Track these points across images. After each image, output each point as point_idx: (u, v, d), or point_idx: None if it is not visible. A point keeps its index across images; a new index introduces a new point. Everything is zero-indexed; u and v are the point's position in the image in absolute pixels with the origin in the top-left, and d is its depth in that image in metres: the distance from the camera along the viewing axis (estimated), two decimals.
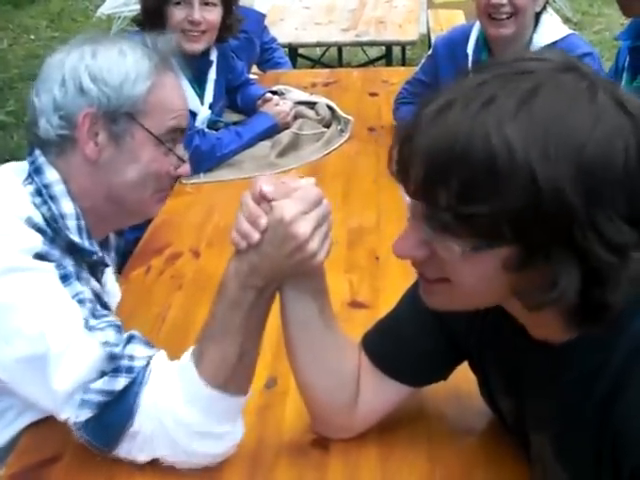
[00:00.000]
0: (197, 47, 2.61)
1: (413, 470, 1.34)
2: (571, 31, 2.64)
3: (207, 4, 2.58)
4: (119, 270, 1.84)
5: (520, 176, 0.87)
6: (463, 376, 1.34)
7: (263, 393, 1.51)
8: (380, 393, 1.35)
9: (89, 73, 1.37)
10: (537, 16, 2.53)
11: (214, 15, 2.60)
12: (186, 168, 1.50)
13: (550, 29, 2.54)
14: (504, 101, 0.90)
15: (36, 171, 1.39)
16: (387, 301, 1.36)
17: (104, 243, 1.59)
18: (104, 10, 7.76)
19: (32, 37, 7.58)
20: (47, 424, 1.33)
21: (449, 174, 0.90)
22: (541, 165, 0.87)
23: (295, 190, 1.19)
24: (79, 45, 1.41)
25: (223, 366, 1.24)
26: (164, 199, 1.54)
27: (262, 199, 1.18)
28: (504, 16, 2.45)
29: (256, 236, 1.17)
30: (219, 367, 1.24)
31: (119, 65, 1.38)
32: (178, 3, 2.55)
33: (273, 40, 3.81)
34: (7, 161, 1.48)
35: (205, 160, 2.56)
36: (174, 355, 1.30)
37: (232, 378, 1.25)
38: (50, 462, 1.35)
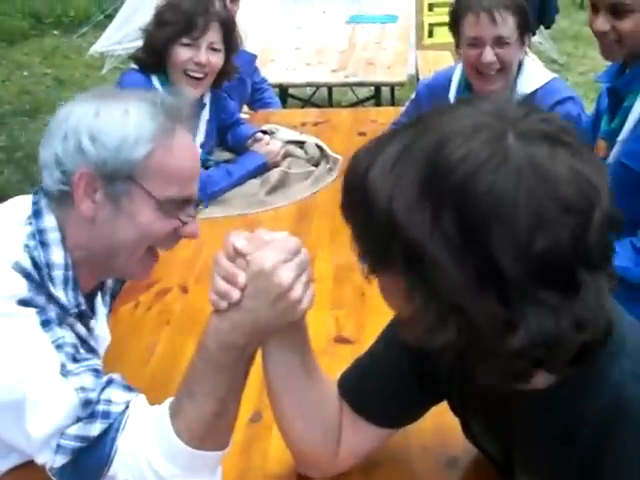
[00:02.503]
0: (196, 93, 2.65)
1: None
2: (553, 75, 2.68)
3: (213, 49, 2.63)
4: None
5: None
6: (446, 408, 1.34)
7: (248, 427, 1.52)
8: (360, 436, 1.35)
9: (89, 133, 1.34)
10: (520, 63, 2.57)
11: (218, 59, 2.65)
12: (193, 229, 1.44)
13: (533, 75, 2.58)
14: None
15: (35, 214, 1.38)
16: (372, 337, 1.37)
17: (98, 288, 1.58)
18: (97, 48, 7.82)
19: (25, 73, 7.63)
20: (31, 464, 1.31)
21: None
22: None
23: (269, 242, 1.17)
24: (86, 100, 1.39)
25: (200, 423, 1.22)
26: (155, 261, 1.48)
27: (237, 256, 1.17)
28: (492, 72, 2.49)
29: (236, 294, 1.15)
30: (196, 424, 1.22)
31: (119, 127, 1.34)
32: (186, 44, 2.58)
33: (264, 80, 3.86)
34: None
35: None
36: (161, 390, 1.31)
37: (209, 435, 1.23)
38: None
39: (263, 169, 2.81)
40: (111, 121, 1.35)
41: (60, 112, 1.38)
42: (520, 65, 2.57)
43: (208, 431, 1.22)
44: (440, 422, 1.42)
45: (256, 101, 3.76)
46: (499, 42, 2.45)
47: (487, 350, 0.92)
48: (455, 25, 2.54)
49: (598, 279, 0.91)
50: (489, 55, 2.46)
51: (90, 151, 1.33)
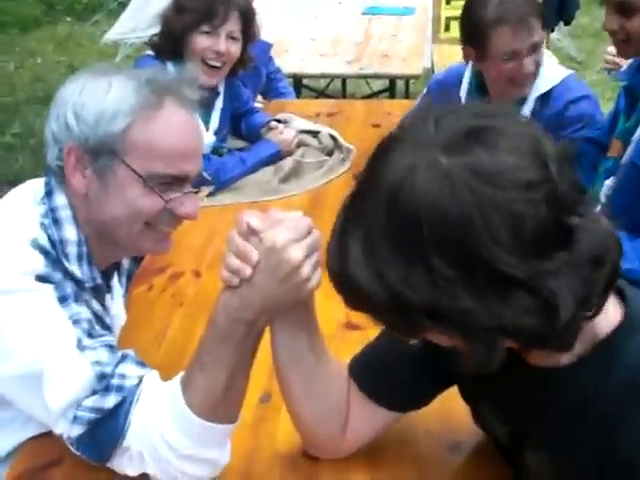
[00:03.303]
0: (212, 82, 2.68)
1: None
2: (569, 71, 2.65)
3: (232, 38, 2.64)
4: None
5: None
6: (451, 392, 1.36)
7: (257, 408, 1.55)
8: (368, 418, 1.37)
9: (73, 109, 1.38)
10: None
11: (236, 49, 2.66)
12: (189, 209, 1.44)
13: (549, 72, 2.55)
14: None
15: (48, 193, 1.43)
16: None
17: (114, 268, 1.63)
18: (110, 36, 7.81)
19: (38, 61, 7.64)
20: (50, 434, 1.37)
21: None
22: None
23: (282, 221, 1.20)
24: (78, 78, 1.43)
25: (209, 395, 1.25)
26: (166, 237, 1.50)
27: (250, 234, 1.19)
28: (525, 80, 2.45)
29: (248, 271, 1.18)
30: (205, 396, 1.25)
31: (98, 102, 1.37)
32: (206, 32, 2.59)
33: (278, 70, 3.86)
34: (11, 182, 1.52)
35: None
36: (173, 371, 1.33)
37: (218, 407, 1.27)
38: (51, 465, 1.40)
39: (276, 157, 2.83)
40: (92, 96, 1.38)
41: (59, 92, 1.43)
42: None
43: (218, 403, 1.26)
44: (444, 407, 1.44)
45: (270, 91, 3.77)
46: (534, 49, 2.41)
47: (539, 338, 0.94)
48: (479, 40, 2.41)
49: (586, 212, 0.95)
50: (530, 65, 2.40)
51: (74, 127, 1.38)
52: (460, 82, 2.67)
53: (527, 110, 2.50)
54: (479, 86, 2.62)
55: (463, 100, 2.62)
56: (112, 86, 1.39)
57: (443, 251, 0.90)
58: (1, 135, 5.80)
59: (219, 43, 2.60)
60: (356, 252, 0.95)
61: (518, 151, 0.92)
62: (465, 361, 0.98)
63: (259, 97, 3.65)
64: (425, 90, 2.95)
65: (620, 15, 1.95)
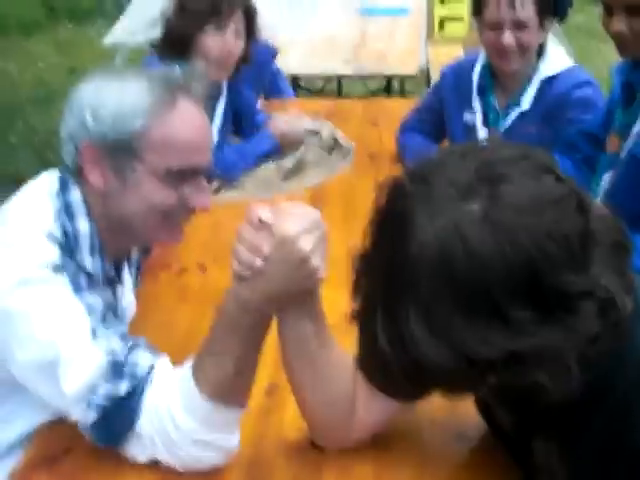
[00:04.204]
0: (221, 77, 2.70)
1: (405, 472, 1.40)
2: (575, 64, 2.74)
3: (237, 35, 2.63)
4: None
5: None
6: None
7: (265, 397, 1.58)
8: (376, 409, 1.39)
9: (90, 109, 1.42)
10: (542, 46, 2.62)
11: (240, 44, 2.66)
12: (203, 200, 1.50)
13: (554, 59, 2.65)
14: None
15: (62, 188, 1.47)
16: None
17: (124, 259, 1.66)
18: (109, 40, 7.83)
19: (40, 64, 7.67)
20: (61, 419, 1.40)
21: None
22: None
23: (293, 214, 1.23)
24: (93, 79, 1.47)
25: (219, 381, 1.29)
26: (180, 228, 1.55)
27: (260, 227, 1.21)
28: (512, 53, 2.54)
29: (259, 262, 1.21)
30: (215, 381, 1.29)
31: (115, 101, 1.41)
32: (212, 32, 2.57)
33: (278, 70, 3.87)
34: (15, 181, 1.54)
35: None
36: (179, 363, 1.36)
37: (228, 392, 1.30)
38: (62, 454, 1.43)
39: (275, 151, 2.82)
40: (109, 97, 1.42)
41: (74, 91, 1.46)
42: (542, 49, 2.63)
43: (227, 389, 1.29)
44: None
45: (270, 91, 3.78)
46: (518, 26, 2.51)
47: (605, 337, 0.96)
48: (478, 9, 2.60)
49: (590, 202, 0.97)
50: (508, 38, 2.51)
51: (91, 125, 1.42)
52: (473, 67, 2.74)
53: (531, 91, 2.61)
54: (490, 71, 2.69)
55: (475, 84, 2.70)
56: (127, 86, 1.44)
57: (517, 298, 0.90)
58: (4, 135, 5.83)
59: (227, 41, 2.60)
60: (421, 333, 0.92)
61: (531, 173, 0.93)
62: (544, 395, 0.97)
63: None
64: (438, 79, 2.98)
65: (628, 16, 1.97)
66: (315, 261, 1.21)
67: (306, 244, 1.20)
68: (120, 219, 1.48)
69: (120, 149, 1.42)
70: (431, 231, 0.91)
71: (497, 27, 2.53)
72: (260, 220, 1.22)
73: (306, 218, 1.23)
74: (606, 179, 2.14)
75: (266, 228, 1.21)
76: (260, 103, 3.46)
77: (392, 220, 0.97)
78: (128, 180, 1.44)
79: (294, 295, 1.27)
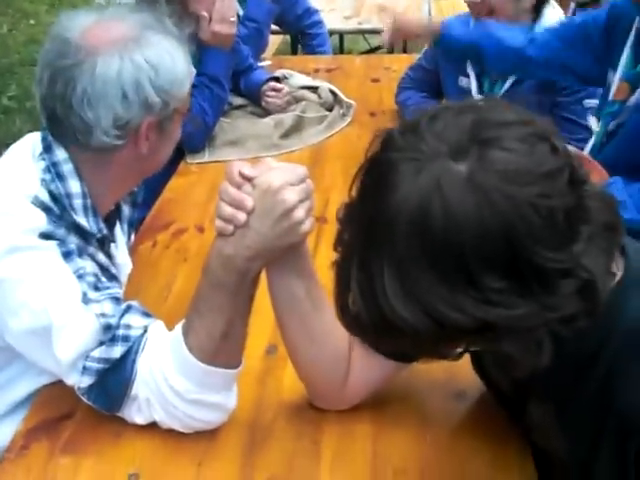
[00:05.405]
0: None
1: (404, 431, 1.40)
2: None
3: None
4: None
5: None
6: None
7: (264, 359, 1.58)
8: (370, 369, 1.37)
9: (154, 87, 1.40)
10: (539, 8, 2.55)
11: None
12: None
13: (551, 18, 2.55)
14: None
15: (47, 149, 1.43)
16: None
17: (116, 216, 1.65)
18: None
19: (32, 22, 7.55)
20: (61, 383, 1.39)
21: None
22: None
23: (277, 167, 1.21)
24: (125, 50, 1.38)
25: (208, 341, 1.28)
26: None
27: (242, 182, 1.20)
28: (483, 14, 2.49)
29: (242, 216, 1.19)
30: (204, 341, 1.28)
31: (172, 71, 1.43)
32: None
33: (314, 24, 3.81)
34: (9, 145, 1.50)
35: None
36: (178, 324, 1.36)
37: (219, 352, 1.29)
38: (63, 419, 1.43)
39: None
40: (165, 69, 1.42)
41: (105, 71, 1.36)
42: (539, 13, 2.55)
43: (218, 349, 1.28)
44: None
45: (306, 46, 3.76)
46: None
47: (579, 317, 0.93)
48: None
49: (587, 177, 0.95)
50: None
51: (156, 103, 1.41)
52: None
53: None
54: None
55: None
56: (173, 54, 1.43)
57: (491, 266, 0.86)
58: None
59: None
60: (392, 286, 0.89)
61: (526, 140, 0.90)
62: (514, 364, 0.95)
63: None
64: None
65: None
66: (300, 213, 1.19)
67: (291, 195, 1.18)
68: (148, 171, 1.55)
69: (171, 111, 1.46)
70: (414, 186, 0.87)
71: None
72: (242, 175, 1.20)
73: (291, 172, 1.21)
74: (611, 127, 2.09)
75: (248, 182, 1.20)
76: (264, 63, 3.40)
77: (378, 171, 0.94)
78: (167, 133, 1.49)
79: (280, 251, 1.24)
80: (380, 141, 0.96)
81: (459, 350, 1.01)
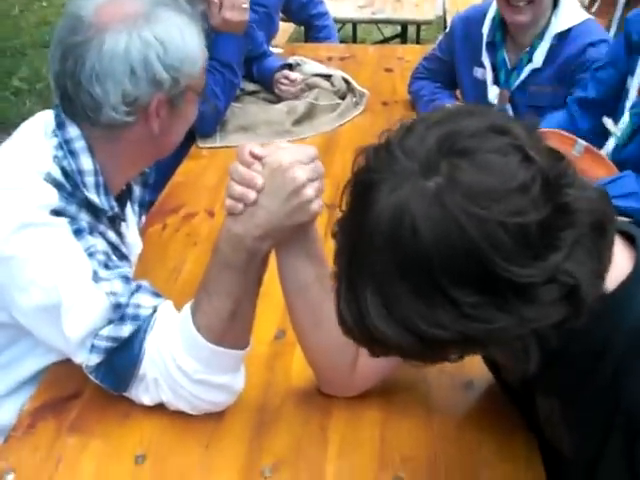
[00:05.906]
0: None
1: (412, 419, 1.40)
2: (589, 16, 2.63)
3: None
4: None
5: None
6: None
7: (272, 344, 1.58)
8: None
9: (162, 64, 1.38)
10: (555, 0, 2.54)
11: None
12: None
13: (568, 12, 2.54)
14: None
15: (59, 126, 1.42)
16: None
17: (127, 196, 1.65)
18: None
19: (44, 4, 7.54)
20: (69, 362, 1.40)
21: None
22: None
23: (287, 147, 1.23)
24: (134, 27, 1.36)
25: (216, 321, 1.28)
26: None
27: (252, 162, 1.20)
28: (521, 3, 2.46)
29: (252, 195, 1.19)
30: (213, 321, 1.28)
31: (182, 49, 1.41)
32: None
33: (321, 15, 3.76)
34: (19, 126, 1.50)
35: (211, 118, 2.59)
36: None
37: (226, 333, 1.29)
38: (71, 397, 1.43)
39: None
40: (174, 46, 1.40)
41: (113, 47, 1.35)
42: (557, 4, 2.53)
43: (226, 329, 1.28)
44: None
45: (312, 39, 3.73)
46: None
47: (565, 321, 0.92)
48: None
49: (574, 178, 0.92)
50: None
51: (165, 80, 1.39)
52: (483, 19, 2.66)
53: (544, 47, 2.53)
54: (501, 22, 2.61)
55: (485, 38, 2.63)
56: (184, 31, 1.42)
57: (462, 282, 0.86)
58: (9, 79, 5.78)
59: None
60: (374, 306, 0.91)
61: (498, 151, 0.88)
62: (506, 369, 0.94)
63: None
64: (448, 29, 2.91)
65: None
66: (309, 192, 1.20)
67: (300, 173, 1.19)
68: (162, 151, 1.53)
69: (182, 90, 1.44)
70: (386, 204, 0.88)
71: None
72: (252, 154, 1.21)
73: (301, 151, 1.22)
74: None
75: (259, 161, 1.21)
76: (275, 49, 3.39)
77: (357, 191, 0.95)
78: (180, 112, 1.47)
79: (289, 230, 1.24)
80: (363, 158, 0.96)
81: (453, 356, 1.00)
